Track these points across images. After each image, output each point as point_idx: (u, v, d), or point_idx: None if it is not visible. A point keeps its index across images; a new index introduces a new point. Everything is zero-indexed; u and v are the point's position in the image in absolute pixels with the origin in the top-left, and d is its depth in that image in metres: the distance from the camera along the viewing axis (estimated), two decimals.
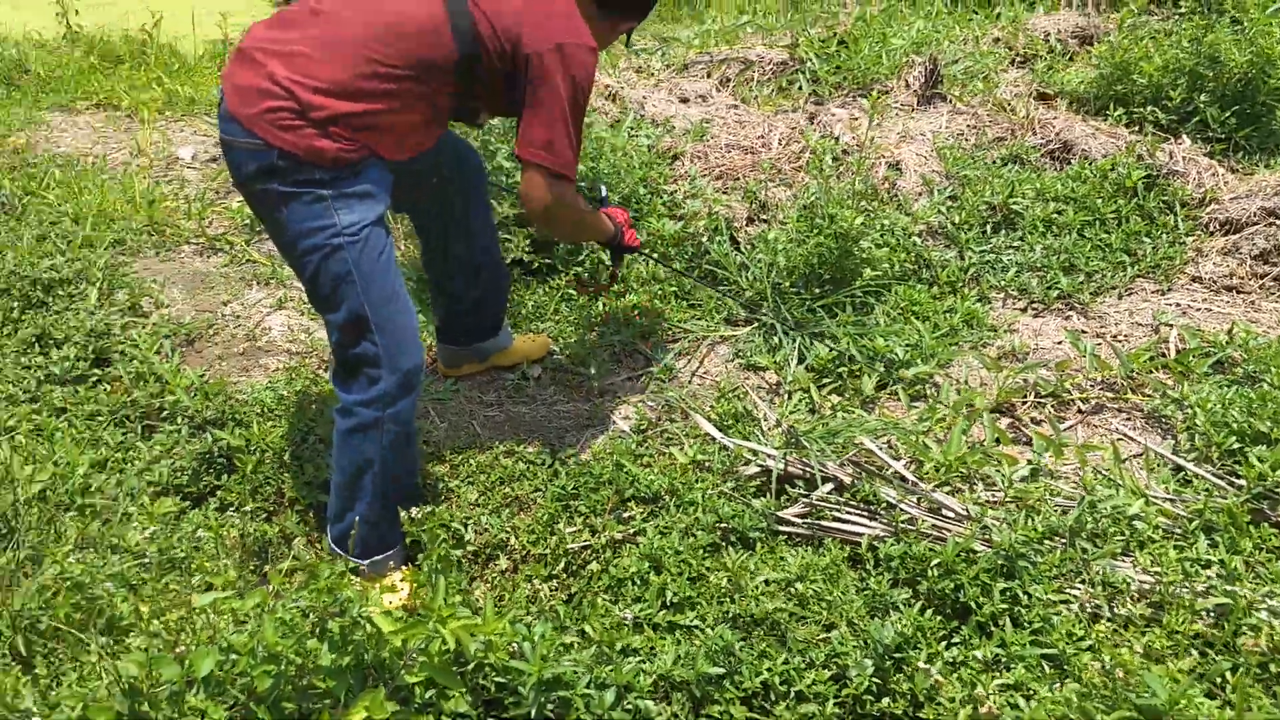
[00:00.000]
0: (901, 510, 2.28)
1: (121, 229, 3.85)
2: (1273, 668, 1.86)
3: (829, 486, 2.40)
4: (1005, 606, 2.06)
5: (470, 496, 2.60)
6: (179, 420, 2.90)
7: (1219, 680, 1.86)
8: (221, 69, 5.71)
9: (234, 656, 1.90)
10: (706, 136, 4.11)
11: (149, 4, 6.79)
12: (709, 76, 5.18)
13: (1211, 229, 3.47)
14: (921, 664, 1.97)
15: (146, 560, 2.37)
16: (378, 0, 2.18)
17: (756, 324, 3.17)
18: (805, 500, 2.37)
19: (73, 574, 2.15)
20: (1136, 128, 4.12)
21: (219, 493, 2.72)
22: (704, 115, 4.48)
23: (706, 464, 2.56)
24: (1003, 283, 3.34)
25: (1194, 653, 1.90)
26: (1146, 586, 2.08)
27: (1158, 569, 2.10)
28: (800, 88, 4.97)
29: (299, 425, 2.83)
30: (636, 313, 3.20)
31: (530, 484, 2.59)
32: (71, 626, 2.10)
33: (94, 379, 3.07)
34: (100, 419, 2.91)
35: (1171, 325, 3.04)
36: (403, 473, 2.39)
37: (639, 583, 2.24)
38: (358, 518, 2.33)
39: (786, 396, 2.87)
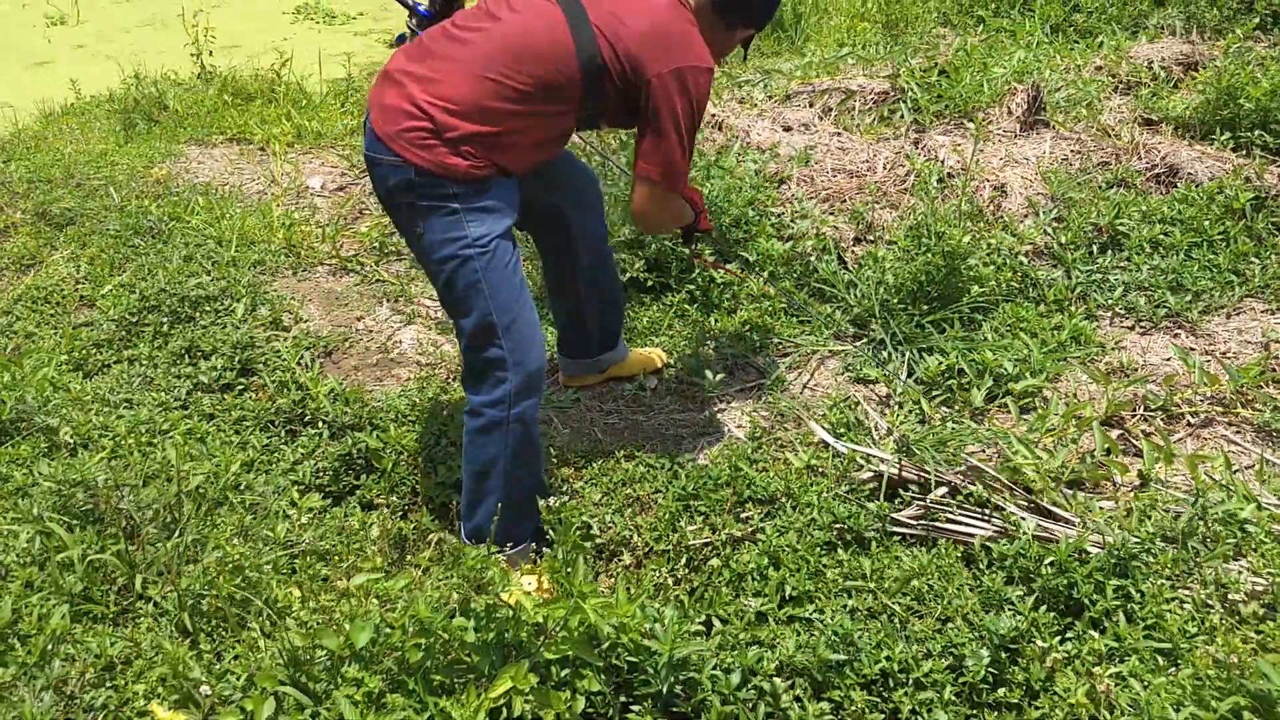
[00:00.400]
0: (1013, 513, 2.36)
1: (261, 251, 4.13)
2: None
3: (942, 490, 2.49)
4: (1118, 603, 2.12)
5: (594, 497, 2.75)
6: (320, 425, 3.12)
7: None
8: (345, 104, 6.06)
9: (388, 631, 2.06)
10: (811, 162, 4.24)
11: (277, 45, 7.22)
12: (811, 106, 5.31)
13: None
14: (1036, 655, 2.05)
15: (296, 551, 2.57)
16: (507, 25, 2.36)
17: (865, 339, 3.27)
18: (920, 502, 2.46)
19: (233, 558, 2.36)
20: (1244, 152, 4.12)
21: (358, 491, 2.93)
22: (808, 142, 4.61)
23: (820, 469, 2.67)
24: (1109, 301, 3.38)
25: None
26: (1260, 587, 2.12)
27: (1270, 570, 2.14)
28: (902, 116, 5.06)
29: (432, 429, 3.02)
30: (748, 328, 3.33)
31: (651, 485, 2.73)
32: (233, 607, 2.29)
33: (240, 387, 3.31)
34: (247, 424, 3.14)
35: None
36: (525, 473, 2.54)
37: (759, 577, 2.36)
38: (489, 511, 2.50)
39: (897, 407, 2.96)
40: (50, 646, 2.12)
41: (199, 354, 3.45)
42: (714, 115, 4.83)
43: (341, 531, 2.69)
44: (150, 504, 2.55)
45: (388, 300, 3.88)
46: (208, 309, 3.68)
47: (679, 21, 2.38)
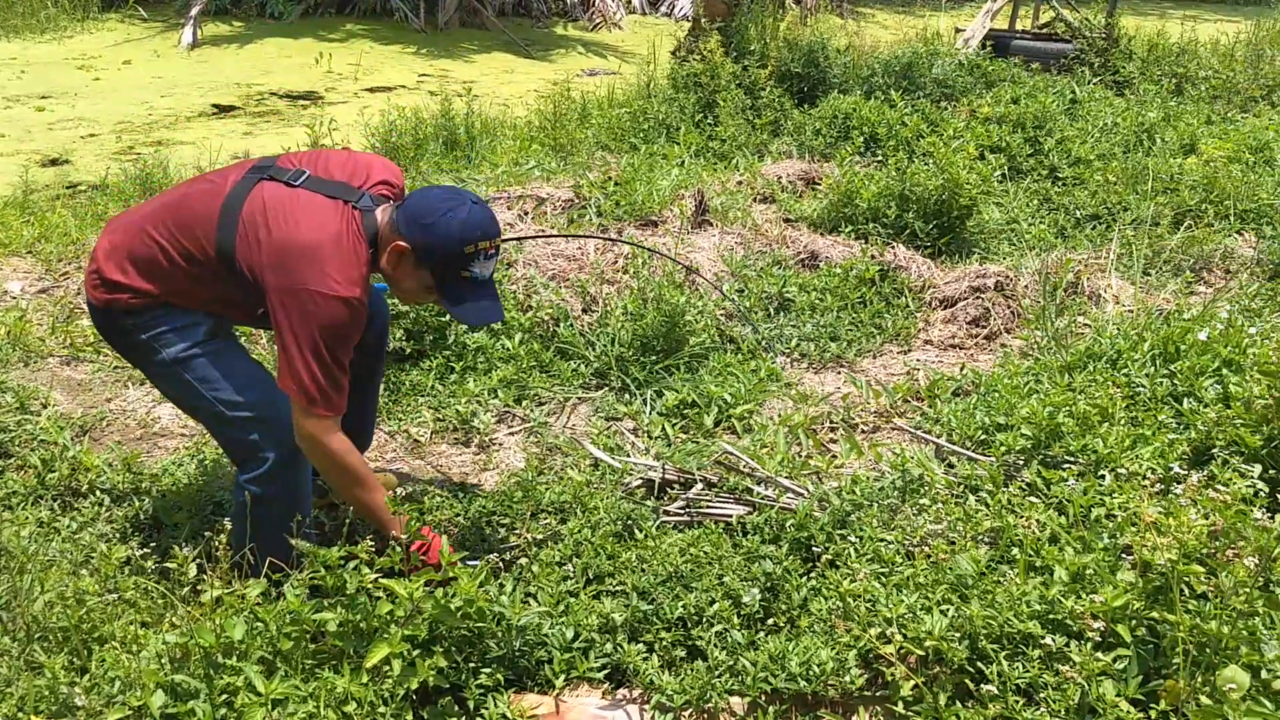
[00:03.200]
0: (759, 493, 2.98)
1: None
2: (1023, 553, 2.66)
3: (699, 486, 3.06)
4: (845, 546, 2.77)
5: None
6: (98, 494, 3.14)
7: (994, 565, 2.63)
8: (24, 215, 5.85)
9: (259, 625, 2.26)
10: (529, 249, 4.81)
11: None
12: (510, 209, 5.94)
13: (934, 305, 4.55)
14: (793, 588, 2.63)
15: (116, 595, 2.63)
16: (178, 188, 2.68)
17: (608, 387, 3.84)
18: (685, 497, 3.02)
19: (72, 592, 2.42)
20: (863, 240, 5.24)
21: (153, 551, 2.99)
22: (517, 236, 5.19)
23: (598, 482, 3.15)
24: (788, 349, 4.21)
25: (983, 547, 2.67)
26: (939, 528, 2.86)
27: (946, 515, 2.89)
28: (590, 218, 5.81)
29: (216, 484, 3.16)
30: (505, 384, 3.78)
31: (450, 510, 3.07)
32: (79, 634, 2.36)
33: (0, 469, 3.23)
34: (17, 500, 3.09)
35: (919, 369, 4.00)
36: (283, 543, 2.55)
37: (564, 565, 2.78)
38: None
39: (647, 435, 3.53)
40: None
41: None
42: None
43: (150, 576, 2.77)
44: None
45: (133, 384, 3.91)
46: None
47: (321, 244, 2.38)
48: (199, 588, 2.68)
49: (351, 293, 2.37)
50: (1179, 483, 2.37)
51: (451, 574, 2.32)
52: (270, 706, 2.05)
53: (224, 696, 2.11)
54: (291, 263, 2.36)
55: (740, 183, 6.50)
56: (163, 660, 2.20)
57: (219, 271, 2.50)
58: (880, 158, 6.34)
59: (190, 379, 2.60)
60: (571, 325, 4.11)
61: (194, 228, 2.51)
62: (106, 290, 2.56)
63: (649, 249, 4.18)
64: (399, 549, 2.40)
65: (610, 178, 6.30)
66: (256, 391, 2.61)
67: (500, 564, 2.84)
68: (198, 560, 2.79)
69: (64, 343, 4.13)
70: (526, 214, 5.92)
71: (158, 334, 2.58)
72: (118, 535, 3.00)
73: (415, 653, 2.27)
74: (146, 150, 7.56)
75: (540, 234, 3.40)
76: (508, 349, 3.95)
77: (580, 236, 4.70)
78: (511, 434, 3.59)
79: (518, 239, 3.61)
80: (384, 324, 3.10)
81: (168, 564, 2.88)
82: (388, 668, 2.22)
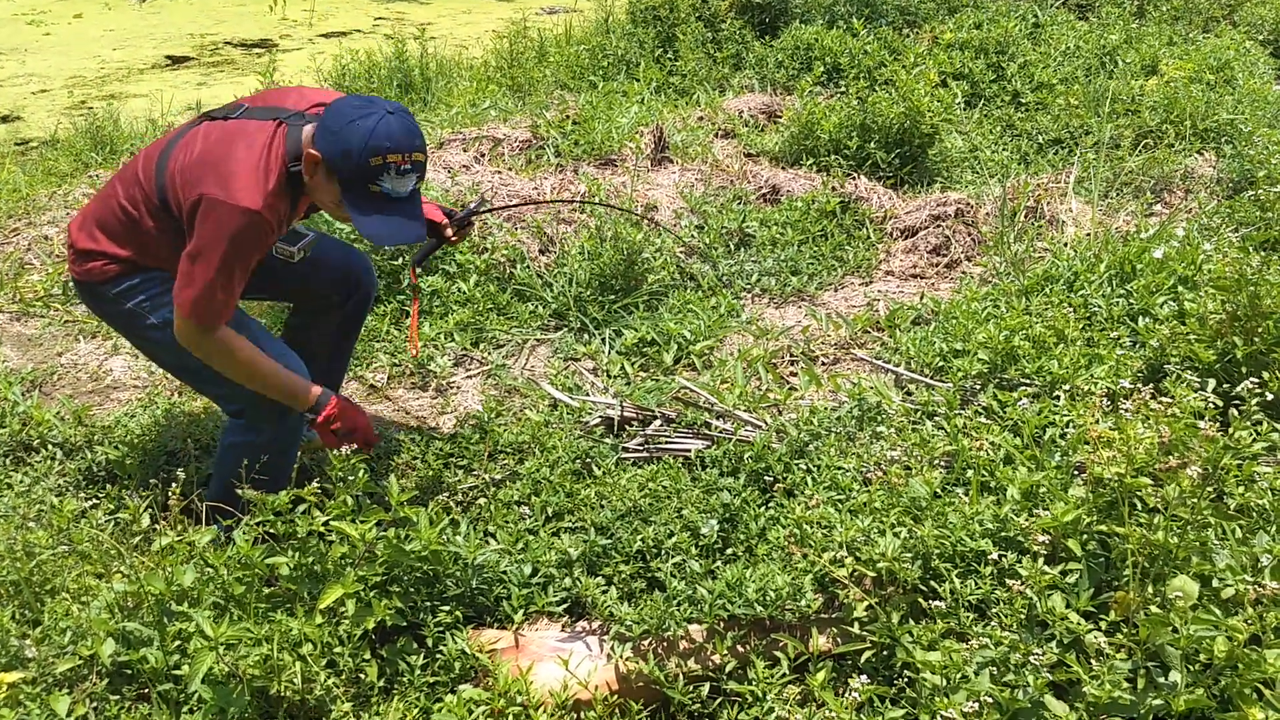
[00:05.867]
0: (717, 426, 2.97)
1: None
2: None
3: (658, 423, 3.05)
4: (803, 475, 2.77)
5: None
6: (50, 448, 3.10)
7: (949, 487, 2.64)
8: None
9: (209, 570, 2.24)
10: (485, 190, 4.74)
11: None
12: (465, 151, 5.84)
13: (895, 235, 4.53)
14: (751, 518, 2.63)
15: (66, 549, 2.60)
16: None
17: (566, 328, 3.81)
18: (643, 434, 3.00)
19: (22, 545, 2.39)
20: (825, 172, 5.20)
21: (105, 501, 2.96)
22: (474, 180, 5.12)
23: (556, 422, 3.13)
24: (749, 285, 4.18)
25: (938, 471, 2.68)
26: (896, 454, 2.87)
27: (901, 442, 2.89)
28: (548, 159, 5.73)
29: (170, 435, 3.12)
30: (462, 327, 3.74)
31: (409, 454, 3.05)
32: (31, 587, 2.34)
33: None
34: None
35: (879, 299, 3.99)
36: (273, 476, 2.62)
37: (524, 504, 2.77)
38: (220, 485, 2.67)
39: (606, 375, 3.51)
40: None
41: None
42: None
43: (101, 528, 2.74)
44: None
45: (84, 337, 3.85)
46: None
47: (227, 156, 2.37)
48: (151, 537, 2.67)
49: (251, 203, 2.30)
50: (1128, 398, 2.37)
51: (402, 514, 2.30)
52: (222, 650, 2.04)
53: (176, 643, 2.10)
54: (197, 174, 2.35)
55: (701, 118, 6.42)
56: (114, 610, 2.18)
57: (165, 218, 2.47)
58: (842, 88, 6.27)
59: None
60: (528, 266, 4.06)
61: (141, 178, 2.50)
62: (81, 261, 2.56)
63: (622, 210, 4.10)
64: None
65: (568, 117, 6.20)
66: None
67: (457, 505, 2.83)
68: (149, 510, 2.77)
69: (13, 298, 4.05)
70: (483, 155, 5.84)
71: (140, 300, 2.57)
72: (70, 488, 2.97)
73: (371, 593, 2.26)
74: (99, 104, 7.38)
75: (509, 205, 3.31)
76: (464, 292, 3.90)
77: (547, 204, 4.63)
78: (469, 377, 3.56)
79: (489, 210, 3.52)
80: (367, 295, 3.03)
81: (119, 515, 2.88)
82: (343, 608, 2.21)
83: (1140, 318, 3.22)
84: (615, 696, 2.23)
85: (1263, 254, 3.25)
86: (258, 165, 2.35)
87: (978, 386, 3.09)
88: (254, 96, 2.64)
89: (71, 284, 2.63)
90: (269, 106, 2.51)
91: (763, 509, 2.68)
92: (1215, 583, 2.01)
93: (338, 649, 2.17)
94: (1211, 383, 2.66)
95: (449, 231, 2.84)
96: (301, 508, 2.31)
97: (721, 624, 2.32)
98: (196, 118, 2.58)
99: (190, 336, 2.43)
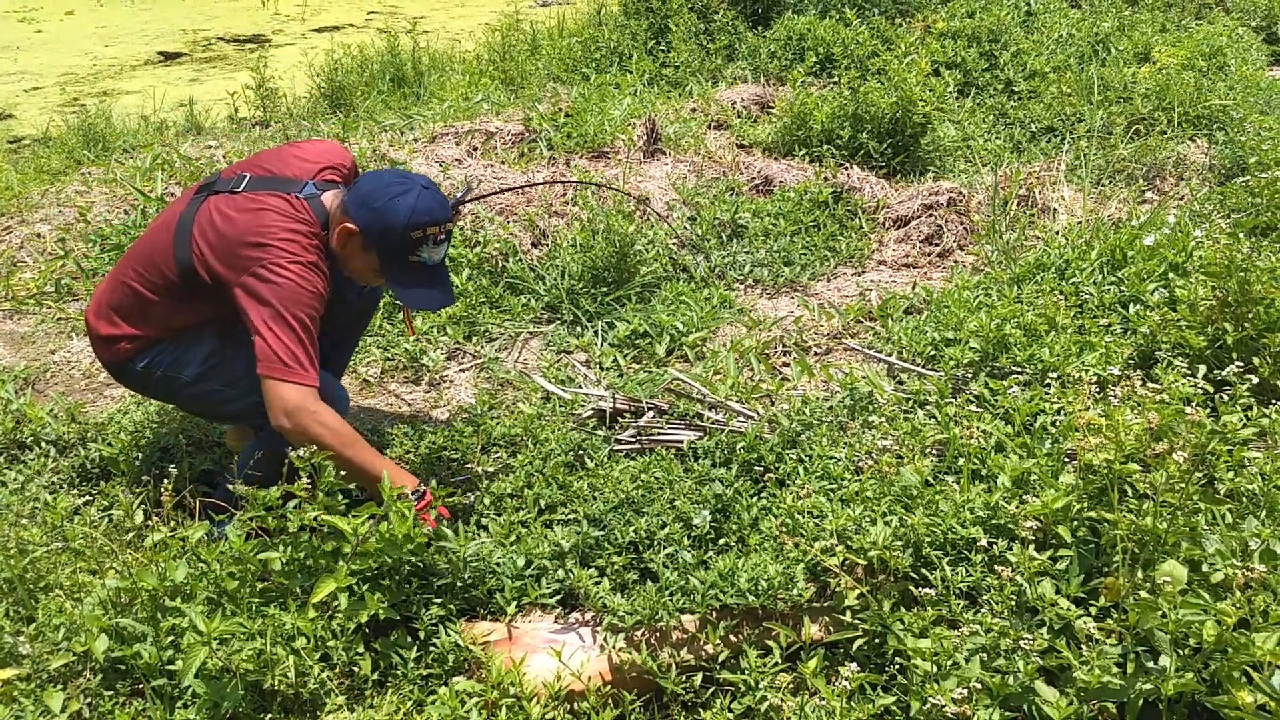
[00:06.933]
0: (709, 417, 2.97)
1: None
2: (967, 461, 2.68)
3: (650, 414, 3.05)
4: (795, 465, 2.77)
5: None
6: (44, 445, 3.10)
7: (940, 476, 2.65)
8: None
9: (202, 565, 2.25)
10: (477, 184, 4.74)
11: None
12: (458, 145, 5.84)
13: (888, 225, 4.53)
14: (743, 509, 2.64)
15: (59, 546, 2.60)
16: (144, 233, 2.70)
17: (559, 320, 3.81)
18: (635, 425, 3.01)
19: (15, 542, 2.39)
20: (817, 162, 5.20)
21: (98, 498, 2.96)
22: (466, 174, 5.11)
23: (548, 415, 3.13)
24: (741, 276, 4.18)
25: (929, 459, 2.68)
26: (888, 443, 2.87)
27: (893, 431, 2.90)
28: (540, 152, 5.73)
29: (164, 431, 3.12)
30: (455, 320, 3.74)
31: (401, 448, 3.05)
32: (24, 584, 2.34)
33: None
34: None
35: (871, 289, 3.99)
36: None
37: (516, 497, 2.77)
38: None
39: (599, 367, 3.51)
40: None
41: None
42: (376, 150, 5.20)
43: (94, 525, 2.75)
44: None
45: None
46: None
47: (266, 228, 2.43)
48: (144, 533, 2.67)
49: (306, 258, 2.41)
50: (1117, 385, 2.38)
51: (394, 509, 2.30)
52: (216, 645, 2.04)
53: (170, 638, 2.11)
54: (243, 251, 2.41)
55: (694, 110, 6.42)
56: (107, 606, 2.18)
57: (187, 292, 2.53)
58: (835, 78, 6.27)
59: (215, 386, 2.65)
60: (520, 260, 4.06)
61: (155, 259, 2.56)
62: (107, 346, 2.63)
63: (611, 187, 4.11)
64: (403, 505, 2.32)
65: (561, 109, 6.20)
66: None
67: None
68: (143, 506, 2.78)
69: (5, 296, 4.05)
70: (475, 149, 5.83)
71: (169, 364, 2.64)
72: (64, 485, 2.97)
73: (364, 587, 2.27)
74: (91, 101, 7.37)
75: (497, 190, 3.30)
76: (456, 285, 3.90)
77: (533, 186, 4.63)
78: (462, 370, 3.57)
79: (477, 197, 3.50)
80: (377, 294, 3.11)
81: (113, 511, 2.88)
82: (336, 602, 2.21)
83: (1131, 305, 3.22)
84: (608, 687, 2.23)
85: (1253, 240, 3.26)
86: (297, 229, 2.45)
87: (969, 375, 3.10)
88: (249, 163, 2.67)
89: (102, 367, 2.73)
90: (274, 177, 2.57)
91: (755, 499, 2.69)
92: (1204, 567, 2.02)
93: (331, 643, 2.18)
94: (1202, 369, 2.67)
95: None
96: (293, 503, 2.31)
97: (714, 614, 2.33)
98: (195, 188, 2.63)
99: (295, 397, 2.36)
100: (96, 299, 2.69)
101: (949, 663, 1.98)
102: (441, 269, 2.63)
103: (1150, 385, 2.32)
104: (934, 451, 2.79)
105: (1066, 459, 2.48)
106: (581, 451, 2.92)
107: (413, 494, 2.42)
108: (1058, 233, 4.02)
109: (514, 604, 2.40)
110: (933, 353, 3.32)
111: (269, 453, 2.64)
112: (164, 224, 2.62)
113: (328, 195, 2.56)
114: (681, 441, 2.94)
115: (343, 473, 2.35)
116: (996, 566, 2.12)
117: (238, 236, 2.43)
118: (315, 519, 2.26)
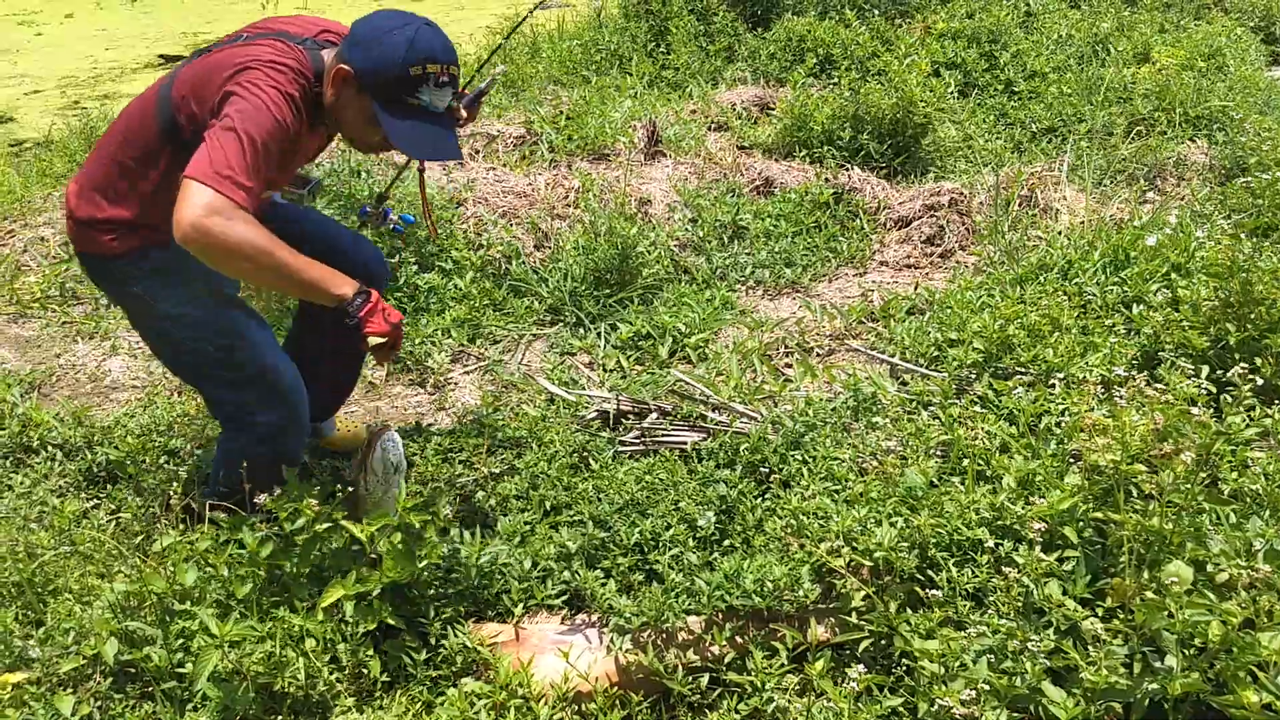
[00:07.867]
0: (713, 418, 2.98)
1: None
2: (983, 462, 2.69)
3: (654, 415, 3.06)
4: (799, 466, 2.78)
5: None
6: (50, 449, 3.10)
7: (945, 476, 2.66)
8: None
9: (211, 570, 2.25)
10: (479, 187, 4.75)
11: None
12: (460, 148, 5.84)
13: (889, 226, 4.54)
14: (747, 510, 2.65)
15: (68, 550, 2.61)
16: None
17: (562, 323, 3.82)
18: (639, 427, 3.02)
19: (24, 546, 2.40)
20: (818, 163, 5.21)
21: (105, 501, 2.97)
22: (469, 177, 5.12)
23: (553, 416, 3.14)
24: (743, 277, 4.19)
25: (934, 460, 2.69)
26: (891, 444, 2.88)
27: (896, 432, 2.91)
28: (541, 155, 5.73)
29: (170, 435, 3.13)
30: (459, 323, 3.75)
31: (407, 451, 3.05)
32: (33, 588, 2.35)
33: None
34: None
35: (873, 290, 4.00)
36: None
37: (522, 499, 2.78)
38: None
39: (602, 369, 3.52)
40: None
41: None
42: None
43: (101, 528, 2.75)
44: None
45: (83, 338, 3.85)
46: None
47: (254, 57, 2.22)
48: (152, 536, 2.68)
49: (287, 89, 2.16)
50: (1122, 385, 2.39)
51: (407, 520, 2.30)
52: (227, 648, 2.05)
53: (180, 641, 2.12)
54: (222, 74, 2.17)
55: (694, 111, 6.42)
56: (116, 610, 2.19)
57: (172, 157, 2.26)
58: (835, 80, 6.28)
59: (182, 336, 2.47)
60: (523, 262, 4.07)
61: (137, 125, 2.35)
62: (86, 231, 2.39)
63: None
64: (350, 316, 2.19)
65: (561, 112, 6.21)
66: (257, 353, 2.51)
67: (458, 501, 2.84)
68: (151, 509, 2.79)
69: (10, 300, 4.05)
70: (478, 151, 5.84)
71: (151, 283, 2.42)
72: (71, 489, 2.98)
73: (374, 592, 2.27)
74: (92, 104, 7.38)
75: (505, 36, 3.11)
76: (460, 288, 3.91)
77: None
78: (466, 373, 3.57)
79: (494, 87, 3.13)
80: (379, 284, 2.91)
81: (121, 515, 2.89)
82: (343, 611, 2.22)
83: (1134, 305, 3.23)
84: (615, 688, 2.24)
85: (1255, 241, 3.27)
86: (287, 66, 2.21)
87: (973, 376, 3.11)
88: (251, 26, 2.45)
89: (76, 258, 2.44)
90: (275, 31, 2.37)
91: (759, 500, 2.70)
92: (1210, 568, 2.02)
93: (340, 645, 2.18)
94: (1205, 369, 2.68)
95: (461, 112, 2.59)
96: (303, 506, 2.32)
97: (720, 615, 2.34)
98: (193, 53, 2.40)
99: (205, 218, 1.98)
100: (79, 181, 2.42)
101: (956, 664, 1.99)
102: (446, 119, 2.32)
103: (1155, 386, 2.33)
104: (938, 452, 2.80)
105: (1072, 460, 2.49)
106: (586, 453, 2.93)
107: (357, 296, 2.21)
108: (1060, 233, 4.03)
109: (521, 605, 2.41)
110: (936, 353, 3.33)
111: (228, 460, 2.55)
112: (147, 92, 2.40)
113: (326, 52, 2.33)
114: (685, 443, 2.95)
115: (273, 290, 2.08)
116: (1003, 568, 2.13)
117: (218, 65, 2.20)
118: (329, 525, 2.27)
